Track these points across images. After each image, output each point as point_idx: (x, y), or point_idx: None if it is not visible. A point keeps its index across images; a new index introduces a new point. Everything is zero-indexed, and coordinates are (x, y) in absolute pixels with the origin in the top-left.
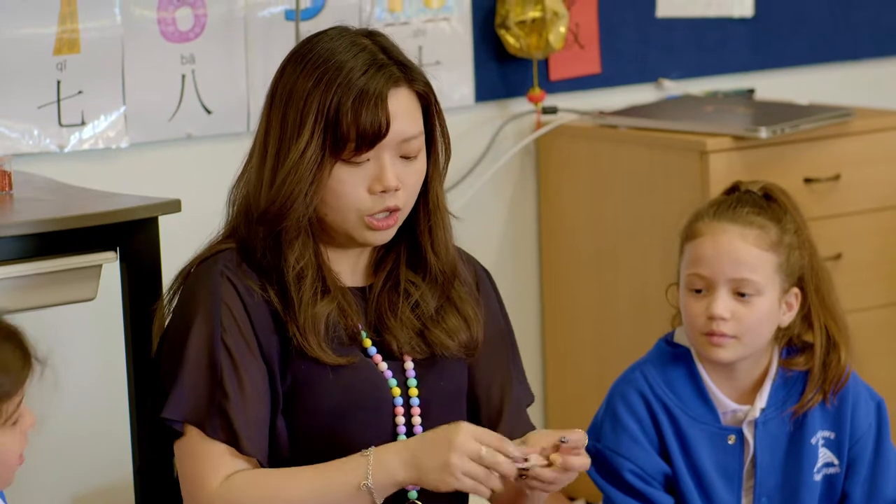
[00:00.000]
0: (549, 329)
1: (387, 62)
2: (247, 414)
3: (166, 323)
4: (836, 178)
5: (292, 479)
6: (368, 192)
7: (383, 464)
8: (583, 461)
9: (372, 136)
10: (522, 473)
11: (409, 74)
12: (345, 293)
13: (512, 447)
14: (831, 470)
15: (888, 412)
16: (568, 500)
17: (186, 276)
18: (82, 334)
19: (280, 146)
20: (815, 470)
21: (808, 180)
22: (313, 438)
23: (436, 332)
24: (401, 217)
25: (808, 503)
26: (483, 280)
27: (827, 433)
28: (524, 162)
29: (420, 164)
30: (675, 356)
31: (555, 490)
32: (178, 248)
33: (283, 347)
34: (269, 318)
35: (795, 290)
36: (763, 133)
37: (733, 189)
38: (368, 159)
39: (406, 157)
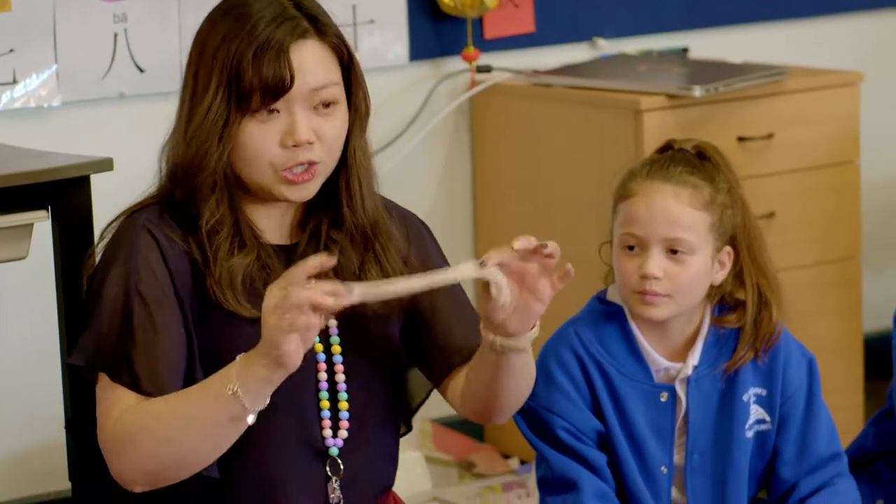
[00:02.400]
0: (483, 289)
1: (295, 15)
2: (154, 358)
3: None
4: (770, 136)
5: (168, 400)
6: (280, 145)
7: (248, 364)
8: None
9: (275, 89)
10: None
11: (318, 27)
12: (267, 250)
13: (301, 267)
14: (763, 427)
15: (819, 370)
16: (502, 457)
17: (110, 228)
18: (14, 294)
19: (191, 104)
20: (747, 427)
21: (741, 139)
22: None
23: None
24: (321, 171)
25: (739, 459)
26: (418, 232)
27: (758, 390)
28: (458, 121)
29: (339, 119)
30: (608, 314)
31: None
32: (111, 207)
33: (201, 299)
34: (188, 270)
35: (728, 248)
36: (697, 92)
37: (666, 147)
38: (278, 111)
39: (323, 109)
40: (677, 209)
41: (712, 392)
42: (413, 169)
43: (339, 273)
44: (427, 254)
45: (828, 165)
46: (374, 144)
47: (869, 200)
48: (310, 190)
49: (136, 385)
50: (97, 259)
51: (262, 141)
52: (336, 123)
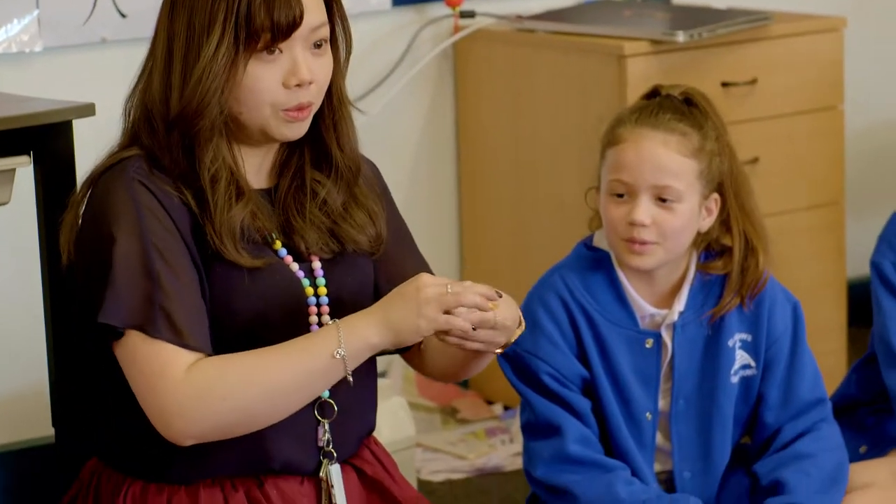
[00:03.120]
0: (466, 234)
1: None
2: (188, 309)
3: (78, 234)
4: (754, 82)
5: (262, 360)
6: (284, 86)
7: (355, 330)
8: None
9: (286, 28)
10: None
11: None
12: (256, 195)
13: (473, 289)
14: (748, 372)
15: (804, 315)
16: (485, 403)
17: (93, 186)
18: None
19: (188, 50)
20: (732, 372)
21: (725, 84)
22: (231, 341)
23: (345, 228)
24: (312, 111)
25: (724, 405)
26: (380, 177)
27: (744, 335)
28: (442, 67)
29: (328, 58)
30: (594, 260)
31: (489, 347)
32: (93, 152)
33: (201, 250)
34: (188, 221)
35: (715, 195)
36: (680, 37)
37: (653, 93)
38: (280, 51)
39: (315, 49)
40: (666, 157)
41: (698, 338)
42: (396, 115)
43: (328, 214)
44: (389, 201)
45: (812, 111)
46: (358, 90)
47: (853, 146)
48: (304, 127)
49: (179, 339)
50: (82, 218)
51: (265, 82)
52: (326, 62)
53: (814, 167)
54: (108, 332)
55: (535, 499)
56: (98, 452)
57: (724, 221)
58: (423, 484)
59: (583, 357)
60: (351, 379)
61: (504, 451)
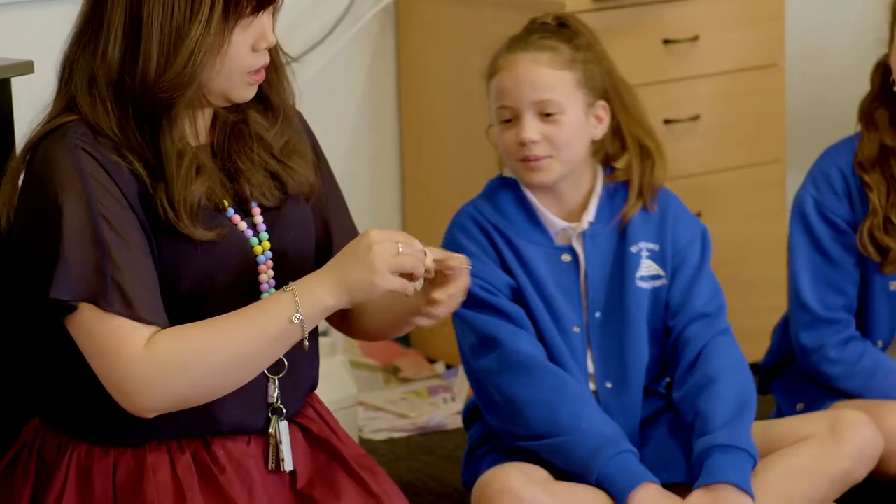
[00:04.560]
0: (408, 193)
1: None
2: (140, 280)
3: (19, 202)
4: (695, 39)
5: (220, 329)
6: (252, 50)
7: (310, 294)
8: (463, 283)
9: None
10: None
11: None
12: (211, 165)
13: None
14: (658, 283)
15: (736, 269)
16: (427, 361)
17: (32, 152)
18: None
19: (165, 20)
20: (639, 277)
21: (667, 41)
22: (179, 305)
23: (288, 170)
24: None
25: (634, 312)
26: (306, 125)
27: (651, 245)
28: (384, 23)
29: (277, 15)
30: (503, 187)
31: (441, 314)
32: (31, 111)
33: (150, 220)
34: (135, 189)
35: (602, 102)
36: None
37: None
38: (255, 17)
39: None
40: (539, 73)
41: (607, 248)
42: (338, 72)
43: (272, 156)
44: (319, 152)
45: (753, 68)
46: (299, 48)
47: (794, 104)
48: (256, 88)
49: (132, 313)
50: (28, 187)
51: (241, 48)
52: (276, 18)
53: (755, 125)
54: (59, 306)
55: (476, 448)
56: (41, 413)
57: (616, 131)
58: (364, 442)
59: (507, 271)
60: (307, 343)
61: (446, 409)
